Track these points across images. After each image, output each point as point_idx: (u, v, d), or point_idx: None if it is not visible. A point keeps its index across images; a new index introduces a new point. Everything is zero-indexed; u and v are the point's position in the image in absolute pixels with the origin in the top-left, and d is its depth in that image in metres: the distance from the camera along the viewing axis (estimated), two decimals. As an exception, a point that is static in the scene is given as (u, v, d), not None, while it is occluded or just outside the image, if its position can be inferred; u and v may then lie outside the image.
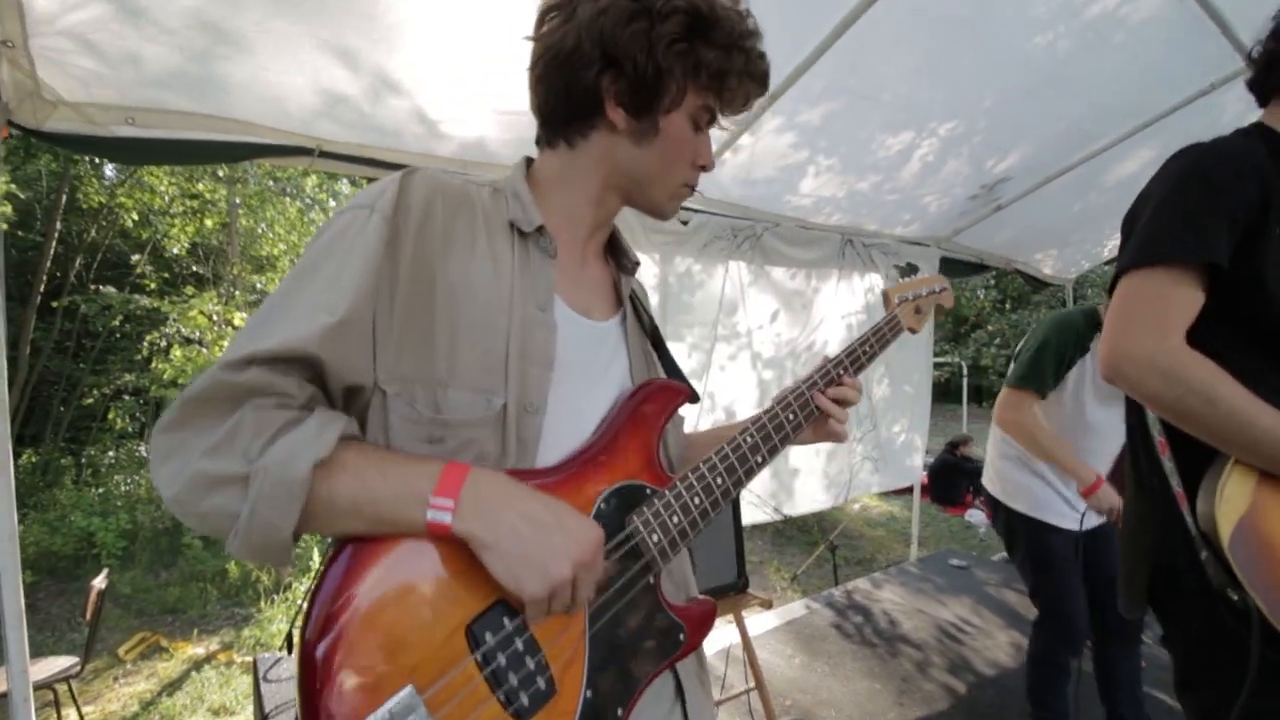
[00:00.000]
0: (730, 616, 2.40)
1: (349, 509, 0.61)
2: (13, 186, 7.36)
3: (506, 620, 0.65)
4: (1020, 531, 2.16)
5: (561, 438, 0.75)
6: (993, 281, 16.69)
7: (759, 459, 0.85)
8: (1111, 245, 4.44)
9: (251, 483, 0.57)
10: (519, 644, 0.65)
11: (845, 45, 2.07)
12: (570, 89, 0.76)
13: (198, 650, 4.46)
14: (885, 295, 1.15)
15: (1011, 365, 2.17)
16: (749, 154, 2.59)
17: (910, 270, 1.29)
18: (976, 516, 7.01)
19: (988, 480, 2.32)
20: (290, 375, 0.62)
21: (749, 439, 0.85)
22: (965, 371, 12.75)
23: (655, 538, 0.75)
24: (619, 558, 0.73)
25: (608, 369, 0.83)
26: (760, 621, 3.31)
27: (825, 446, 3.82)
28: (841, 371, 0.96)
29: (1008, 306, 17.42)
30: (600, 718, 0.69)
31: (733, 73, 0.78)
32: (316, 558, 5.80)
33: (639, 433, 0.79)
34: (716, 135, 2.42)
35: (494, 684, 0.63)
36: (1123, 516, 1.21)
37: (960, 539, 6.59)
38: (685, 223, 2.88)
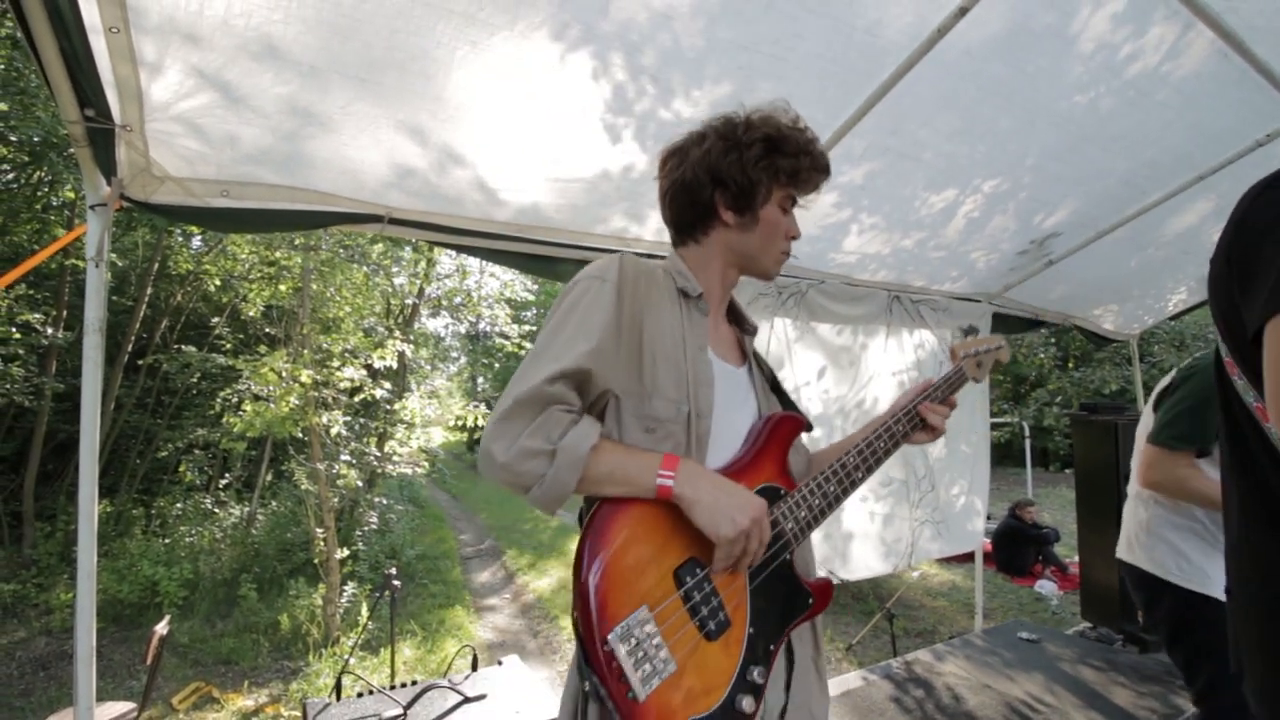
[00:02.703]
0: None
1: (606, 477, 0.93)
2: (112, 255, 8.08)
3: (698, 570, 0.95)
4: (1196, 615, 1.83)
5: (718, 448, 1.05)
6: (1052, 339, 16.10)
7: (860, 474, 1.14)
8: (1176, 299, 4.28)
9: (556, 456, 0.89)
10: (706, 587, 0.95)
11: (885, 107, 2.14)
12: (693, 205, 1.14)
13: (247, 702, 4.51)
14: (952, 350, 1.40)
15: (1150, 418, 1.93)
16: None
17: (972, 331, 1.46)
18: (1047, 587, 6.55)
19: (1140, 556, 1.98)
20: (573, 390, 0.95)
21: (851, 459, 1.13)
22: (1027, 432, 12.17)
23: (790, 525, 1.05)
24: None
25: (743, 404, 1.13)
26: (813, 692, 3.15)
27: (881, 509, 3.70)
28: (926, 403, 1.24)
29: (1070, 365, 16.72)
30: (756, 647, 0.97)
31: (803, 170, 1.12)
32: (364, 612, 5.84)
33: (772, 450, 1.09)
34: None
35: (692, 613, 0.92)
36: (1253, 592, 1.01)
37: (1029, 611, 6.15)
38: (730, 280, 2.94)
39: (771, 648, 0.99)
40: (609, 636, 0.84)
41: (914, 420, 1.22)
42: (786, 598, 1.04)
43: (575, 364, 0.94)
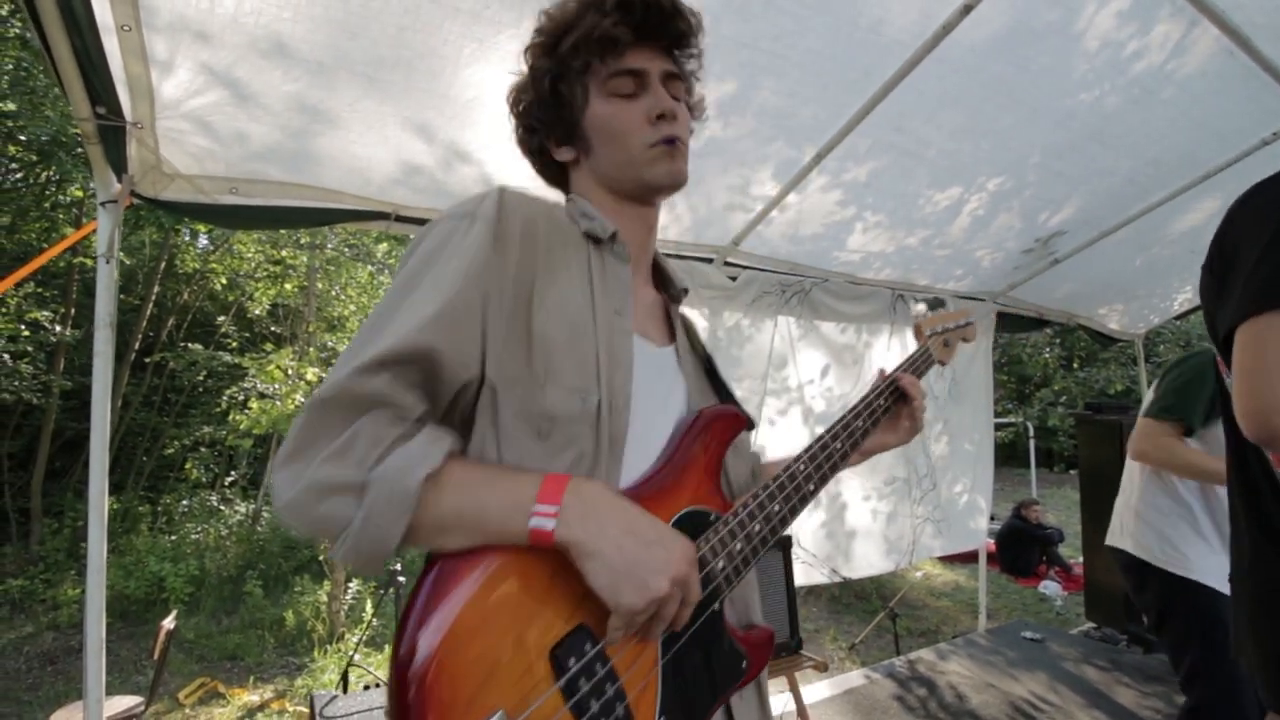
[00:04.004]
0: (784, 680, 2.31)
1: (453, 521, 0.62)
2: (120, 254, 8.13)
3: (588, 645, 0.64)
4: (1178, 599, 1.87)
5: (637, 454, 0.76)
6: (1057, 339, 16.05)
7: (811, 486, 0.86)
8: (1182, 299, 4.27)
9: (367, 492, 0.60)
10: (599, 671, 0.65)
11: (889, 105, 2.14)
12: (540, 166, 0.91)
13: (253, 698, 4.54)
14: (916, 328, 1.20)
15: (1147, 397, 2.00)
16: (795, 211, 2.67)
17: (938, 304, 1.32)
18: (1051, 588, 6.53)
19: (1127, 542, 2.02)
20: (411, 389, 0.65)
21: (802, 466, 0.86)
22: (1031, 433, 12.14)
23: (721, 564, 0.74)
24: None
25: (667, 396, 0.84)
26: (816, 690, 3.16)
27: (884, 507, 3.70)
28: (884, 400, 1.01)
29: (1075, 365, 16.67)
30: None
31: (591, 30, 0.79)
32: (369, 609, 5.87)
33: (702, 459, 0.80)
34: (763, 194, 2.53)
35: (577, 711, 0.63)
36: (1244, 594, 1.07)
37: (1033, 611, 6.14)
38: (734, 279, 2.95)
39: None
40: None
41: (875, 418, 0.99)
42: (714, 666, 0.76)
43: (410, 343, 0.64)
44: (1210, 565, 1.85)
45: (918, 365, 1.10)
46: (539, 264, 0.74)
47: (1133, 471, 2.09)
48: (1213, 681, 1.78)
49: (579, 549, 0.62)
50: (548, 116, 0.84)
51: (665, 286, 0.96)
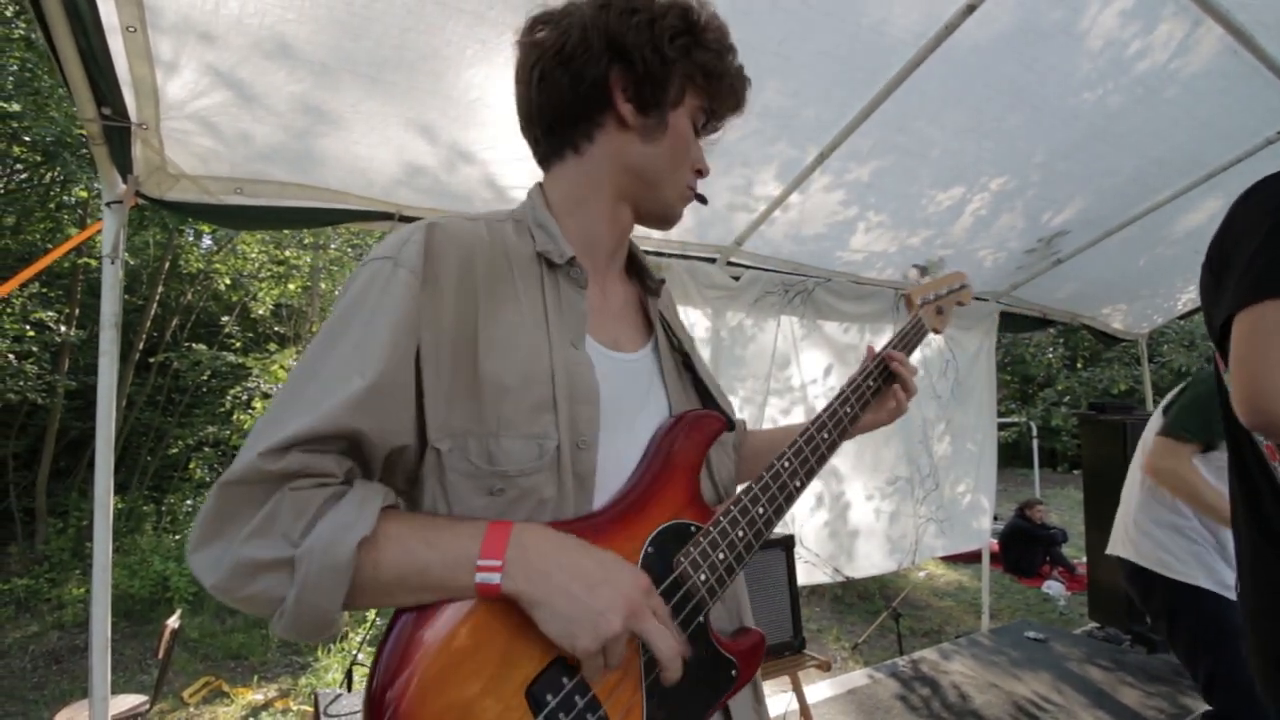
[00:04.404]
0: (786, 680, 2.31)
1: (395, 582, 0.60)
2: (125, 254, 8.16)
3: (565, 679, 0.64)
4: (1187, 606, 1.88)
5: (608, 481, 0.74)
6: (1061, 338, 16.01)
7: (797, 483, 0.84)
8: (1186, 298, 4.26)
9: (297, 567, 0.56)
10: (579, 702, 0.64)
11: (892, 105, 2.14)
12: (576, 85, 0.76)
13: (257, 697, 4.55)
14: (907, 299, 1.16)
15: (1161, 417, 2.00)
16: (798, 211, 2.67)
17: (936, 266, 1.25)
18: (1055, 588, 6.52)
19: (1129, 551, 2.04)
20: (329, 454, 0.61)
21: (786, 464, 0.84)
22: (1035, 432, 12.11)
23: (703, 576, 0.74)
24: (671, 603, 0.71)
25: (644, 405, 0.81)
26: (819, 690, 3.16)
27: (887, 507, 3.70)
28: (873, 381, 0.98)
29: (1079, 365, 16.63)
30: None
31: (726, 75, 0.82)
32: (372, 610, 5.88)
33: (678, 470, 0.78)
34: (766, 194, 2.53)
35: None
36: (1245, 591, 1.08)
37: (1037, 611, 6.13)
38: (736, 279, 2.95)
39: None
40: None
41: (864, 402, 0.96)
42: (702, 679, 0.75)
43: (330, 426, 0.60)
44: (1212, 571, 1.87)
45: (909, 338, 1.07)
46: (479, 303, 0.70)
47: (1133, 481, 2.11)
48: (1233, 687, 1.76)
49: (527, 600, 0.61)
50: (645, 66, 0.76)
51: (640, 277, 0.92)
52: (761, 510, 0.79)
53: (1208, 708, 1.89)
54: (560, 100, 0.77)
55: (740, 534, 0.77)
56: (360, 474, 0.66)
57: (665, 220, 0.86)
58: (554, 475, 0.69)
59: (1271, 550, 0.98)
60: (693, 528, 0.76)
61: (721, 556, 0.75)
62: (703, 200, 0.89)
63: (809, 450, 0.86)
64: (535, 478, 0.68)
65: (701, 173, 0.86)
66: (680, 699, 0.72)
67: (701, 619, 0.75)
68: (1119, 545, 2.10)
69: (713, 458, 0.85)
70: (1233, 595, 1.80)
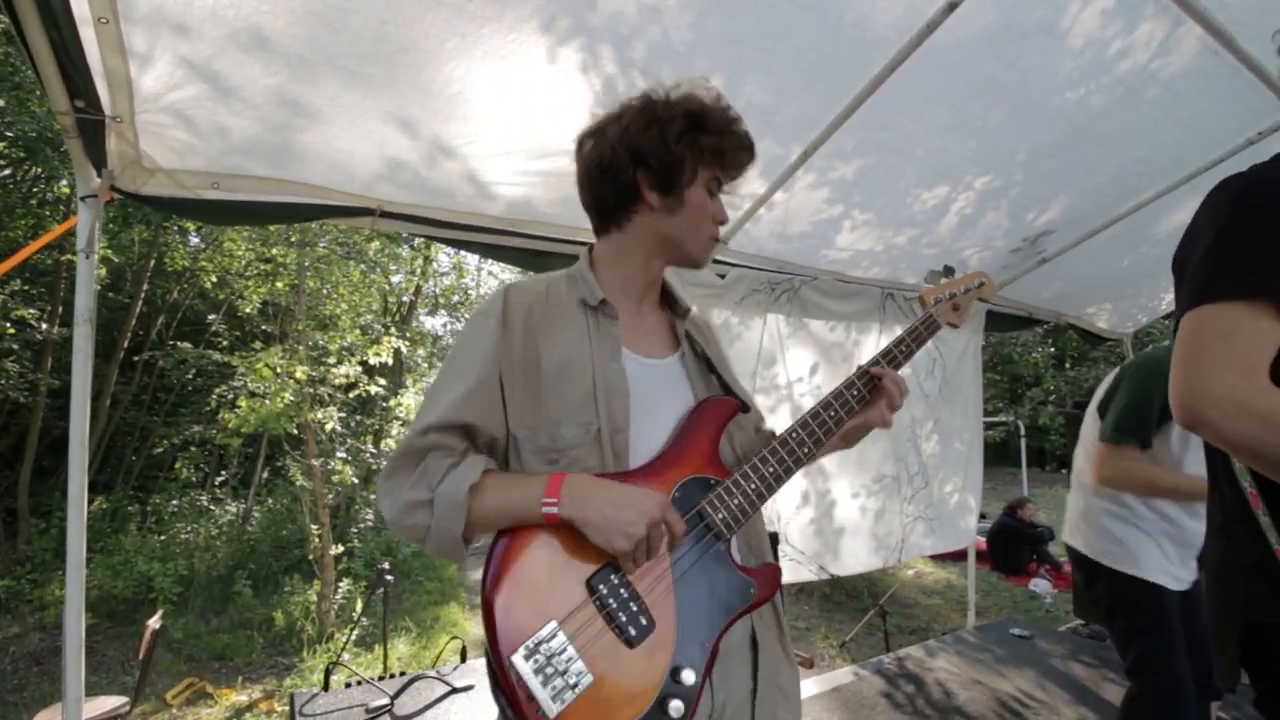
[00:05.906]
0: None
1: (494, 514, 0.91)
2: (109, 251, 8.07)
3: (614, 576, 0.91)
4: (1128, 595, 1.97)
5: (642, 452, 1.00)
6: (1048, 338, 16.12)
7: (805, 450, 1.06)
8: (1169, 298, 4.29)
9: (435, 506, 0.90)
10: (624, 592, 0.90)
11: (876, 102, 2.14)
12: (614, 186, 1.06)
13: (241, 698, 4.51)
14: (921, 299, 1.26)
15: (1097, 418, 2.05)
16: (783, 209, 2.66)
17: (948, 272, 1.30)
18: (1042, 586, 6.55)
19: (1078, 540, 2.12)
20: (453, 435, 0.95)
21: (794, 435, 1.06)
22: (1023, 431, 12.19)
23: (720, 515, 0.98)
24: (694, 530, 0.97)
25: (674, 396, 1.07)
26: (804, 687, 3.15)
27: (873, 505, 3.71)
28: (879, 372, 1.13)
29: (1067, 364, 16.75)
30: (687, 647, 0.91)
31: (728, 149, 1.07)
32: (359, 607, 5.84)
33: (701, 438, 1.03)
34: (751, 192, 2.52)
35: (609, 620, 0.88)
36: (1208, 571, 1.13)
37: (1023, 609, 6.17)
38: (722, 276, 2.95)
39: (709, 644, 0.93)
40: (512, 658, 0.83)
41: (870, 384, 1.13)
42: (722, 590, 0.97)
43: (447, 417, 0.94)
44: (1156, 562, 1.93)
45: (919, 334, 1.19)
46: (540, 336, 1.01)
47: (1082, 474, 2.15)
48: (1157, 674, 1.89)
49: (579, 520, 0.89)
50: (657, 164, 1.03)
51: (671, 305, 1.19)
52: (771, 468, 1.03)
53: (1130, 687, 1.98)
54: (604, 198, 1.09)
55: (752, 485, 1.01)
56: (474, 451, 0.97)
57: (694, 264, 1.14)
58: (596, 450, 0.97)
59: (1242, 528, 1.00)
60: (712, 480, 1.01)
61: (736, 502, 1.00)
62: (716, 240, 1.14)
63: (815, 424, 1.08)
64: (581, 450, 0.97)
65: (722, 221, 1.12)
66: (705, 601, 0.95)
67: (721, 546, 0.99)
68: (1069, 533, 2.17)
69: (734, 433, 1.11)
70: (1180, 586, 1.91)
